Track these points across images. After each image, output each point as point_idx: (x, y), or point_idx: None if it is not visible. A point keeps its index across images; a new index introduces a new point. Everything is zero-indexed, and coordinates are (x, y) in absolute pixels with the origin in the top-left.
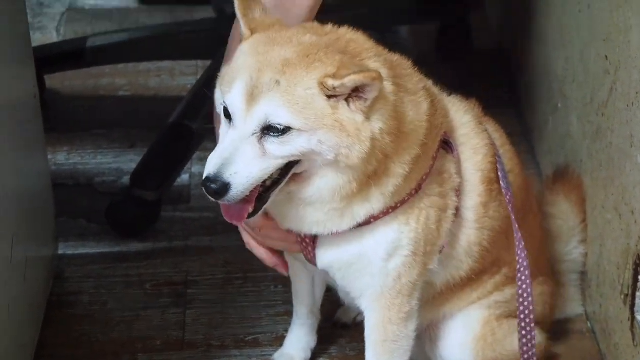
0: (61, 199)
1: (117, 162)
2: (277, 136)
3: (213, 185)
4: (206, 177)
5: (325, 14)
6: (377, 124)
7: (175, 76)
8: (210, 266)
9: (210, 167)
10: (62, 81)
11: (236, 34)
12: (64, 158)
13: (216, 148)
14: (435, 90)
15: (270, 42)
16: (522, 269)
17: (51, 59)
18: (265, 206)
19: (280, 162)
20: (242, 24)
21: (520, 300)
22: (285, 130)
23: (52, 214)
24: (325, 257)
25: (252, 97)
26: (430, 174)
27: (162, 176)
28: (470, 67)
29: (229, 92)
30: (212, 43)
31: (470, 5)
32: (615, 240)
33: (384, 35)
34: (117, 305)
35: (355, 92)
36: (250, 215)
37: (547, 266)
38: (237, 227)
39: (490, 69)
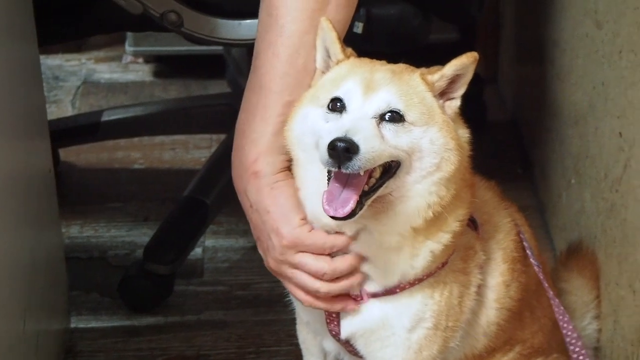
0: (74, 272)
1: (131, 236)
2: (394, 124)
3: (342, 144)
4: (336, 138)
5: None
6: (462, 137)
7: (189, 149)
8: (224, 340)
9: (336, 132)
10: (77, 154)
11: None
12: (77, 231)
13: (331, 126)
14: None
15: (370, 63)
16: (573, 341)
17: (66, 132)
18: (361, 212)
19: (393, 152)
20: (339, 52)
21: None
22: (401, 120)
23: (65, 288)
24: (350, 324)
25: (369, 88)
26: (456, 249)
27: (176, 250)
28: (483, 141)
29: (340, 87)
30: (226, 117)
31: (483, 79)
32: (629, 316)
33: None
34: None
35: (446, 94)
36: (349, 216)
37: (561, 342)
38: (250, 302)
39: (503, 142)
